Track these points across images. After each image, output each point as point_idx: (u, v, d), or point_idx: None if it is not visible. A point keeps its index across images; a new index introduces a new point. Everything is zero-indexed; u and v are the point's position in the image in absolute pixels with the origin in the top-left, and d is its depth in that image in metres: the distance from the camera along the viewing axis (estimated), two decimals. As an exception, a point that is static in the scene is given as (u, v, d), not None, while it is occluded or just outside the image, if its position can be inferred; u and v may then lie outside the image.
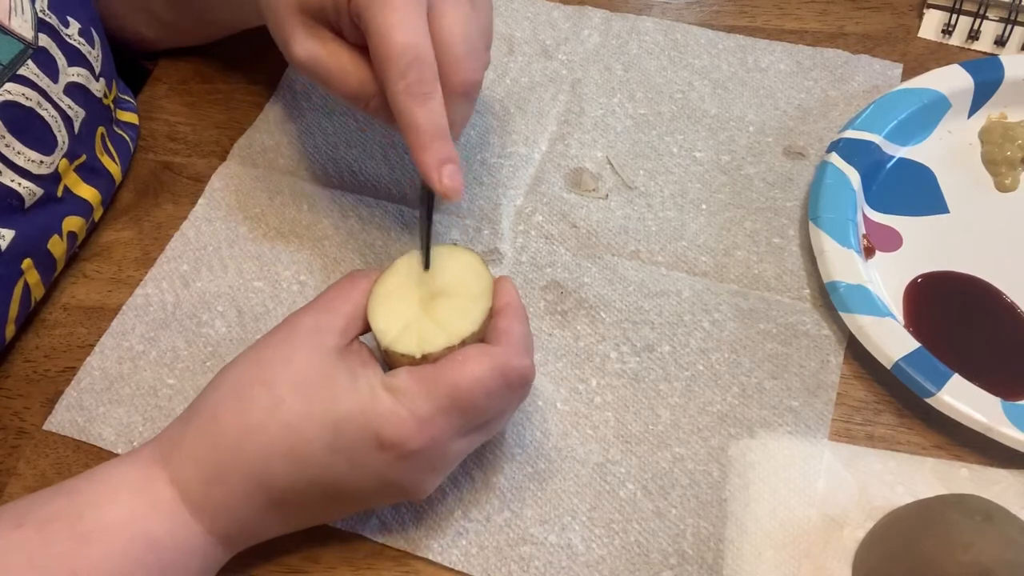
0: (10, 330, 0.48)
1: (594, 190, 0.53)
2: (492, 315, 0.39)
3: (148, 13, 0.57)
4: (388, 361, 0.39)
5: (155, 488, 0.37)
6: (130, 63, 0.63)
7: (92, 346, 0.49)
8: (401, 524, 0.43)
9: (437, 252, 0.41)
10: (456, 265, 0.41)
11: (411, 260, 0.41)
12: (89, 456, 0.46)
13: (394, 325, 0.38)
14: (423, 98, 0.38)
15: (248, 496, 0.37)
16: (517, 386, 0.38)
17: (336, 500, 0.39)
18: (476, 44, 0.41)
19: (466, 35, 0.40)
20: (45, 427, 0.47)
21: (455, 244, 0.41)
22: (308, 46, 0.42)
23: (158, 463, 0.38)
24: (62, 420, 0.47)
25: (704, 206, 0.52)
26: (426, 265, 0.41)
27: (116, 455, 0.45)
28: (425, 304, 0.40)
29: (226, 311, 0.50)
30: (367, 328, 0.39)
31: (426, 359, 0.37)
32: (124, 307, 0.50)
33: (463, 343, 0.38)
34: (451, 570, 0.42)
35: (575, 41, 0.60)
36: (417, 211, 0.53)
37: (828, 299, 0.47)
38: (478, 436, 0.39)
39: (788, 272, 0.50)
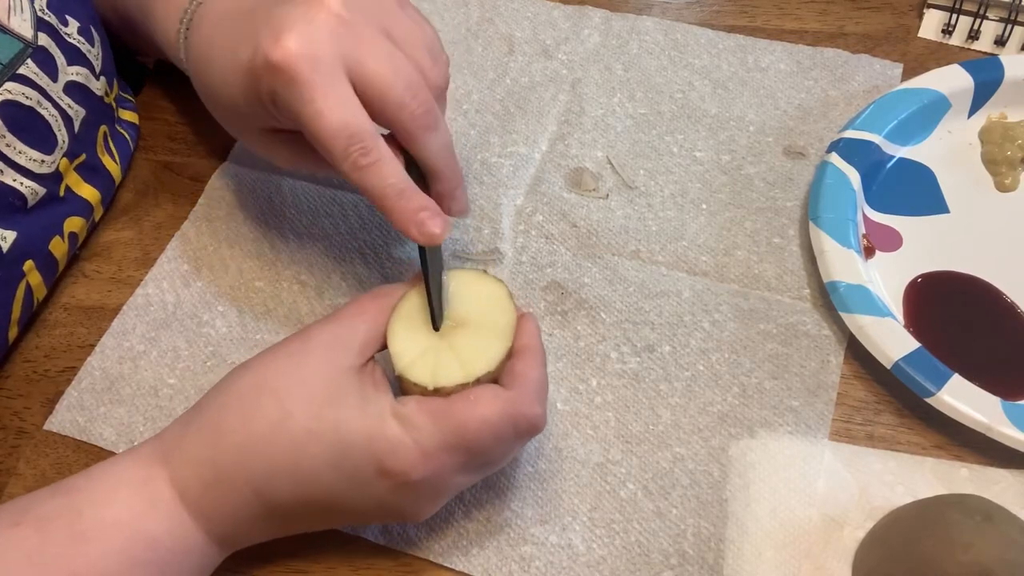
0: (12, 332, 0.48)
1: (594, 190, 0.53)
2: (511, 355, 0.38)
3: (113, 33, 0.57)
4: (400, 386, 0.38)
5: (154, 487, 0.37)
6: (131, 62, 0.63)
7: (92, 346, 0.49)
8: (402, 525, 0.43)
9: (465, 277, 0.40)
10: (483, 293, 0.40)
11: (411, 298, 0.40)
12: (89, 456, 0.46)
13: (411, 349, 0.38)
14: (372, 167, 0.38)
15: (246, 503, 0.37)
16: (525, 433, 0.38)
17: (334, 515, 0.39)
18: (411, 76, 0.39)
19: (395, 74, 0.39)
20: (46, 427, 0.47)
21: (484, 271, 0.40)
22: (280, 155, 0.45)
23: (158, 461, 0.37)
24: (63, 420, 0.47)
25: (704, 206, 0.52)
26: (436, 325, 0.39)
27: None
28: (446, 331, 0.39)
29: (226, 311, 0.50)
30: (384, 346, 0.39)
31: (438, 392, 0.37)
32: (124, 307, 0.50)
33: (478, 381, 0.37)
34: (452, 570, 0.42)
35: (575, 41, 0.60)
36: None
37: (828, 299, 0.47)
38: (480, 473, 0.39)
39: (788, 272, 0.50)
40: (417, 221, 0.39)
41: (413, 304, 0.40)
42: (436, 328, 0.39)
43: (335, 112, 0.38)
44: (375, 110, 0.39)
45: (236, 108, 0.43)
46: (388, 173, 0.39)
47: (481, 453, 0.37)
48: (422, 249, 0.40)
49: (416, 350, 0.38)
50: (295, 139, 0.43)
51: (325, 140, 0.38)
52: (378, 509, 0.38)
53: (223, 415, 0.37)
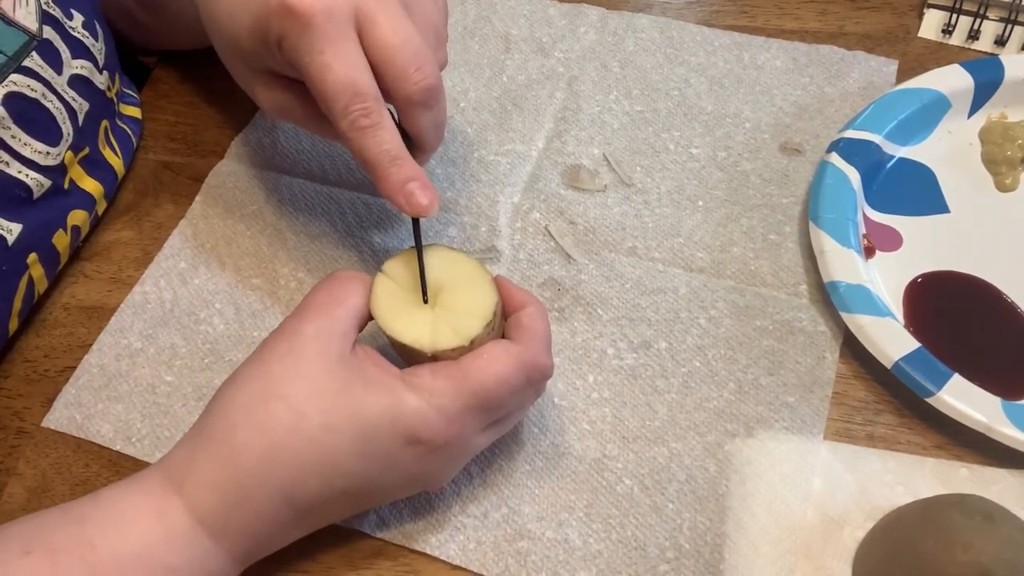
0: (13, 324, 0.48)
1: (591, 187, 0.53)
2: (496, 282, 0.39)
3: (130, 17, 0.57)
4: (438, 360, 0.38)
5: (170, 518, 0.36)
6: (131, 59, 0.63)
7: (92, 346, 0.49)
8: (399, 520, 0.43)
9: (406, 260, 0.41)
10: (432, 262, 0.40)
11: (384, 279, 0.40)
12: (89, 456, 0.46)
13: (424, 331, 0.38)
14: (370, 130, 0.38)
15: (275, 514, 0.37)
16: (538, 382, 0.39)
17: (362, 500, 0.39)
18: (419, 48, 0.39)
19: (404, 42, 0.39)
20: (43, 424, 0.47)
21: (413, 247, 0.41)
22: (270, 98, 0.44)
23: (169, 491, 0.37)
24: (60, 417, 0.47)
25: (701, 202, 0.52)
26: (425, 299, 0.39)
27: (115, 451, 0.46)
28: (432, 304, 0.40)
29: (224, 308, 0.50)
30: (363, 327, 0.39)
31: (473, 343, 0.37)
32: (122, 305, 0.51)
33: (495, 315, 0.38)
34: (450, 567, 0.41)
35: (571, 39, 0.60)
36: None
37: (824, 295, 0.47)
38: (498, 429, 0.40)
39: (784, 268, 0.49)
40: (406, 192, 0.39)
41: (387, 301, 0.39)
42: (426, 300, 0.39)
43: (342, 68, 0.38)
44: (377, 75, 0.39)
45: (239, 45, 0.42)
46: (385, 139, 0.39)
47: (499, 408, 0.38)
48: (415, 221, 0.41)
49: (427, 329, 0.38)
50: (290, 87, 0.43)
51: (328, 95, 0.38)
52: (405, 482, 0.39)
53: (234, 434, 0.36)
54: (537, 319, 0.39)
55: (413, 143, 0.42)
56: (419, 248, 0.40)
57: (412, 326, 0.38)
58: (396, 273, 0.40)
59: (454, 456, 0.39)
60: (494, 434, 0.40)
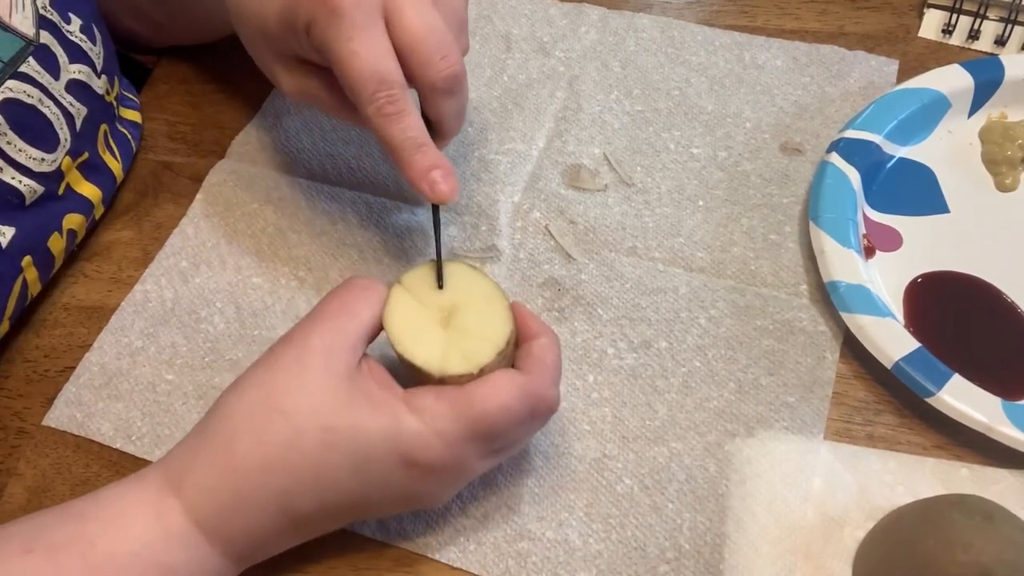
0: (4, 327, 0.48)
1: (592, 187, 0.53)
2: (512, 309, 0.39)
3: (138, 11, 0.57)
4: (445, 383, 0.38)
5: (168, 518, 0.36)
6: (130, 61, 0.63)
7: (92, 345, 0.49)
8: (399, 522, 0.42)
9: (425, 273, 0.41)
10: (452, 279, 0.40)
11: (400, 291, 0.40)
12: (89, 456, 0.46)
13: (433, 352, 0.38)
14: (395, 117, 0.39)
15: (271, 521, 0.37)
16: (542, 415, 0.38)
17: (357, 514, 0.40)
18: (444, 36, 0.40)
19: (430, 31, 0.39)
20: (44, 423, 0.47)
21: (432, 261, 0.41)
22: (292, 83, 0.44)
23: (168, 492, 0.37)
24: (60, 415, 0.47)
25: (701, 202, 0.52)
26: (440, 282, 0.40)
27: (115, 451, 0.46)
28: (446, 322, 0.39)
29: (224, 307, 0.50)
30: (373, 339, 0.39)
31: (483, 371, 0.37)
32: (123, 303, 0.51)
33: (508, 344, 0.38)
34: (452, 569, 0.41)
35: (572, 38, 0.60)
36: (413, 207, 0.53)
37: (824, 295, 0.47)
38: (499, 456, 0.39)
39: (785, 268, 0.50)
40: (430, 179, 0.40)
41: (402, 314, 0.39)
42: (441, 286, 0.40)
43: (370, 55, 0.38)
44: (402, 61, 0.39)
45: (265, 29, 0.42)
46: (410, 125, 0.40)
47: (501, 437, 0.37)
48: (435, 210, 0.41)
49: (437, 350, 0.38)
50: (313, 72, 0.43)
51: (355, 81, 0.39)
52: (400, 501, 0.39)
53: (233, 441, 0.37)
54: (548, 351, 0.38)
55: (433, 128, 0.43)
56: (437, 234, 0.41)
57: (423, 347, 0.38)
58: (414, 285, 0.40)
59: (450, 480, 0.38)
60: (494, 461, 0.39)
